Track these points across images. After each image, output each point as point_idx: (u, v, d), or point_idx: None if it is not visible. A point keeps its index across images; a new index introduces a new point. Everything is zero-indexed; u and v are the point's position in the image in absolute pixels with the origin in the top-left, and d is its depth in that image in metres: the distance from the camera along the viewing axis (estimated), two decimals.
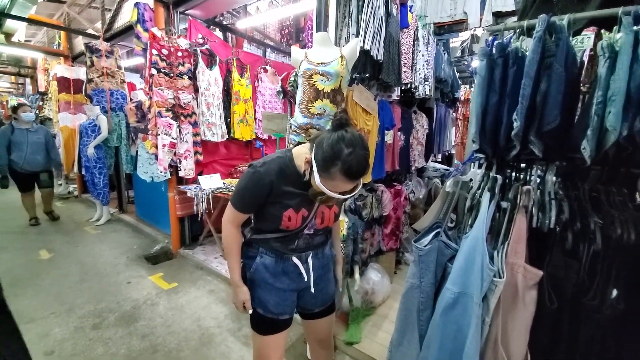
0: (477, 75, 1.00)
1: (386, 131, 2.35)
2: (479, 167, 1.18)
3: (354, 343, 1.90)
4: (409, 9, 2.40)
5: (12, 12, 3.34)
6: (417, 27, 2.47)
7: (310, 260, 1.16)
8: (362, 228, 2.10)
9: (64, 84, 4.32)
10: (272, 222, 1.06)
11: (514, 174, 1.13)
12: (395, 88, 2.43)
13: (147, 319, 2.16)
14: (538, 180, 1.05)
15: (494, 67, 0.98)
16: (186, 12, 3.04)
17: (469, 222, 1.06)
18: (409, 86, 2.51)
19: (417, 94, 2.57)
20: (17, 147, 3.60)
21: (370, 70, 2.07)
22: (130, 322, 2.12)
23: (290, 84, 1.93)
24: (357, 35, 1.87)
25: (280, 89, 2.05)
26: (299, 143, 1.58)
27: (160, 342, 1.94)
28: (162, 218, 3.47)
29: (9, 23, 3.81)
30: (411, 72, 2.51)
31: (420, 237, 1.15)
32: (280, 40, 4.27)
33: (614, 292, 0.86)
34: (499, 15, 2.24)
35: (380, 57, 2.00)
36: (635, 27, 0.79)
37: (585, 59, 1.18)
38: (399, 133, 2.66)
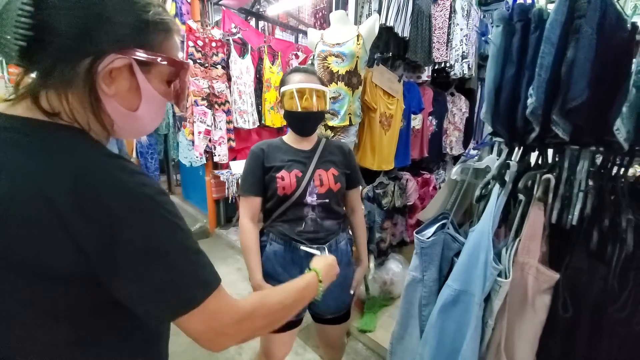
0: (492, 44, 0.86)
1: (413, 115, 2.19)
2: (499, 153, 1.04)
3: (367, 331, 1.88)
4: None
5: None
6: None
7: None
8: (381, 217, 2.03)
9: None
10: (271, 192, 1.07)
11: (540, 161, 0.98)
12: (426, 68, 2.24)
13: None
14: (566, 167, 0.89)
15: (513, 33, 0.83)
16: (220, 2, 3.13)
17: (478, 215, 0.95)
18: (443, 65, 2.29)
19: (452, 73, 2.33)
20: None
21: (395, 49, 1.92)
22: None
23: None
24: (380, 12, 1.74)
25: None
26: None
27: None
28: (202, 200, 3.74)
29: None
30: (446, 49, 2.27)
31: (423, 227, 1.07)
32: (314, 25, 4.19)
33: None
34: None
35: (406, 34, 1.85)
36: None
37: None
38: (430, 117, 2.46)
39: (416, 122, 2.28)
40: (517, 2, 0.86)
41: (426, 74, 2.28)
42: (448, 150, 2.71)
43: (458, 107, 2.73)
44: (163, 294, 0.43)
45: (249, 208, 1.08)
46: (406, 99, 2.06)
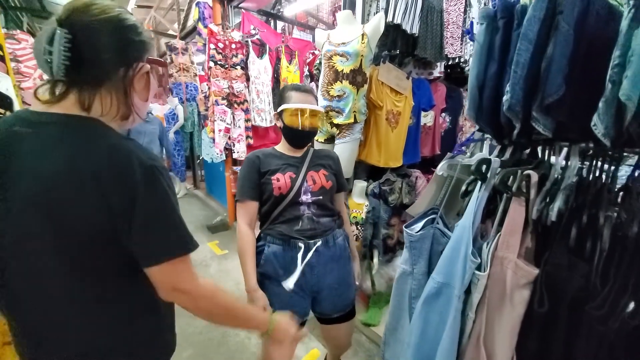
0: (475, 42, 0.87)
1: (424, 112, 2.18)
2: (490, 150, 1.05)
3: (371, 325, 1.92)
4: None
5: None
6: None
7: (321, 249, 1.11)
8: (388, 213, 2.05)
9: None
10: (267, 194, 1.12)
11: (532, 157, 0.97)
12: (437, 64, 2.21)
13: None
14: (555, 163, 0.88)
15: (497, 31, 0.84)
16: (240, 5, 3.27)
17: (463, 210, 0.97)
18: (456, 60, 2.24)
19: (467, 68, 2.28)
20: (135, 136, 4.33)
21: (404, 46, 1.93)
22: None
23: (315, 67, 1.94)
24: (387, 10, 1.76)
25: (308, 73, 2.08)
26: None
27: None
28: (223, 194, 3.94)
29: None
30: (461, 45, 2.22)
31: (412, 222, 1.10)
32: (333, 23, 4.23)
33: (631, 305, 0.70)
34: None
35: (415, 31, 1.84)
36: None
37: None
38: (443, 114, 2.43)
39: (427, 118, 2.26)
40: None
41: (438, 70, 2.25)
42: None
43: None
44: (156, 243, 0.57)
45: (246, 212, 1.12)
46: (416, 96, 2.05)
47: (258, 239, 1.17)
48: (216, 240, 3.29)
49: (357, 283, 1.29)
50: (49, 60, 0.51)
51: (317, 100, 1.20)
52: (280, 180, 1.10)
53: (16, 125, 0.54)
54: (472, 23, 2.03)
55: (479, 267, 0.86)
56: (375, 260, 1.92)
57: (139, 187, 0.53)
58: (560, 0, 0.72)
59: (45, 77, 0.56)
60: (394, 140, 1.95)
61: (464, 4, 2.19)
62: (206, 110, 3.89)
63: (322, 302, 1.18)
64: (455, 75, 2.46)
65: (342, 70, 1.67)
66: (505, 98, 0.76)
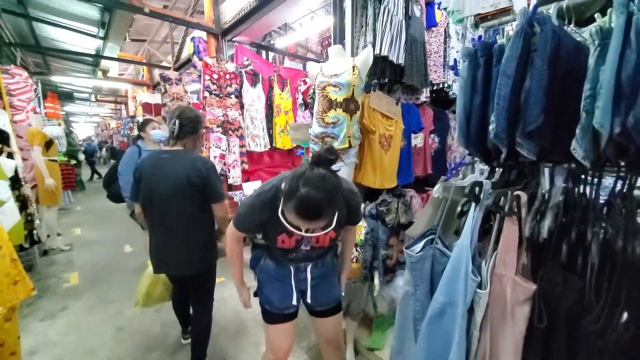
0: (460, 77, 0.96)
1: (414, 134, 2.28)
2: (481, 172, 1.11)
3: (375, 349, 1.89)
4: (436, 6, 2.31)
5: (105, 54, 4.23)
6: (447, 23, 2.35)
7: (309, 269, 1.25)
8: (386, 234, 2.08)
9: (147, 108, 5.25)
10: (269, 240, 1.18)
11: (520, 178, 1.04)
12: (424, 90, 2.35)
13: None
14: (541, 183, 0.95)
15: (478, 67, 0.93)
16: (233, 39, 3.44)
17: (460, 230, 1.01)
18: (440, 86, 2.40)
19: (451, 92, 2.43)
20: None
21: (392, 75, 2.05)
22: None
23: (310, 97, 2.04)
24: (374, 44, 1.89)
25: (302, 102, 2.18)
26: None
27: None
28: None
29: (104, 62, 4.80)
30: (443, 71, 2.39)
31: (412, 243, 1.13)
32: (321, 52, 4.45)
33: (624, 316, 0.74)
34: (547, 1, 2.00)
35: (401, 61, 1.98)
36: (630, 7, 0.69)
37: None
38: (432, 135, 2.54)
39: (418, 140, 2.36)
40: (481, 38, 0.96)
41: (425, 95, 2.39)
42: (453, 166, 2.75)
43: None
44: (216, 195, 1.56)
45: (237, 235, 1.22)
46: (406, 120, 2.16)
47: (257, 246, 1.32)
48: None
49: (342, 294, 1.39)
50: (173, 130, 1.53)
51: (331, 222, 0.95)
52: (285, 243, 1.15)
53: (162, 154, 1.53)
54: (455, 60, 2.18)
55: (479, 285, 0.90)
56: (376, 281, 1.93)
57: (204, 173, 1.49)
58: (534, 40, 0.82)
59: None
60: (387, 162, 2.03)
61: (443, 35, 2.38)
62: None
63: (309, 298, 1.29)
64: (440, 99, 2.60)
65: (336, 99, 1.77)
66: (491, 127, 0.84)
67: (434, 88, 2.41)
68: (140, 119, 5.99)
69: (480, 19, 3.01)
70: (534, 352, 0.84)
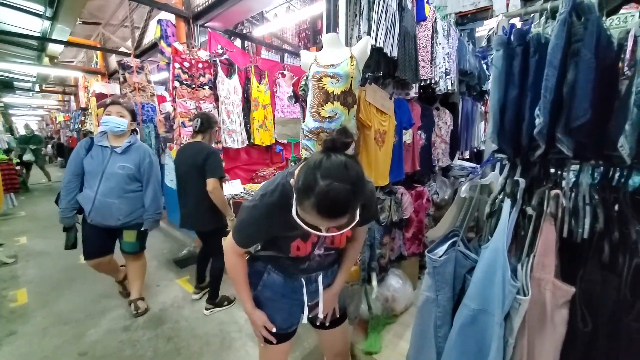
0: (494, 67, 0.90)
1: (404, 131, 2.24)
2: (501, 169, 1.07)
3: (373, 353, 1.83)
4: (425, 1, 2.28)
5: (53, 37, 3.66)
6: (435, 19, 2.33)
7: (320, 279, 1.12)
8: (380, 233, 2.02)
9: (101, 99, 4.67)
10: (281, 251, 1.03)
11: (542, 175, 1.01)
12: (413, 85, 2.31)
13: (173, 322, 2.24)
14: (571, 182, 0.92)
15: (513, 57, 0.87)
16: (206, 24, 3.14)
17: (489, 231, 0.96)
18: (428, 82, 2.38)
19: (437, 89, 2.43)
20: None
21: (385, 69, 1.98)
22: (158, 325, 2.21)
23: (301, 88, 1.90)
24: (369, 34, 1.80)
25: (292, 94, 2.03)
26: (301, 159, 1.57)
27: (183, 345, 2.00)
28: None
29: (51, 47, 4.17)
30: (430, 67, 2.37)
31: (434, 246, 1.07)
32: (298, 44, 4.28)
33: None
34: None
35: (395, 54, 1.91)
36: None
37: (630, 40, 1.02)
38: (419, 132, 2.53)
39: (407, 136, 2.33)
40: (514, 27, 0.90)
41: (414, 91, 2.36)
42: (436, 162, 2.78)
43: (443, 120, 2.82)
44: (209, 172, 2.11)
45: (240, 250, 1.02)
46: (397, 115, 2.11)
47: (255, 259, 1.13)
48: (186, 275, 2.95)
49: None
50: (196, 126, 2.26)
51: (354, 217, 0.79)
52: (301, 249, 1.00)
53: (187, 145, 2.26)
54: (485, 50, 2.17)
55: (517, 291, 0.85)
56: (374, 283, 1.86)
57: (205, 156, 2.12)
58: (576, 30, 0.77)
59: None
60: (382, 158, 1.96)
61: (431, 30, 2.35)
62: (167, 132, 3.60)
63: (321, 311, 1.16)
64: (427, 95, 2.60)
65: (333, 91, 1.65)
66: (537, 121, 0.78)
67: (422, 84, 2.38)
68: (91, 110, 5.33)
69: (461, 17, 3.06)
70: (576, 355, 0.81)
